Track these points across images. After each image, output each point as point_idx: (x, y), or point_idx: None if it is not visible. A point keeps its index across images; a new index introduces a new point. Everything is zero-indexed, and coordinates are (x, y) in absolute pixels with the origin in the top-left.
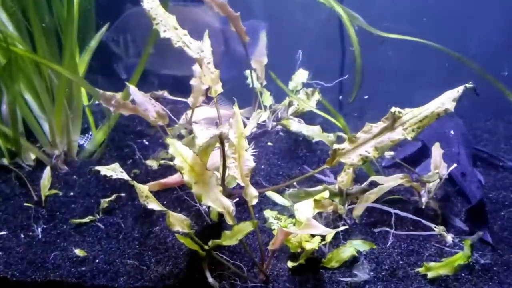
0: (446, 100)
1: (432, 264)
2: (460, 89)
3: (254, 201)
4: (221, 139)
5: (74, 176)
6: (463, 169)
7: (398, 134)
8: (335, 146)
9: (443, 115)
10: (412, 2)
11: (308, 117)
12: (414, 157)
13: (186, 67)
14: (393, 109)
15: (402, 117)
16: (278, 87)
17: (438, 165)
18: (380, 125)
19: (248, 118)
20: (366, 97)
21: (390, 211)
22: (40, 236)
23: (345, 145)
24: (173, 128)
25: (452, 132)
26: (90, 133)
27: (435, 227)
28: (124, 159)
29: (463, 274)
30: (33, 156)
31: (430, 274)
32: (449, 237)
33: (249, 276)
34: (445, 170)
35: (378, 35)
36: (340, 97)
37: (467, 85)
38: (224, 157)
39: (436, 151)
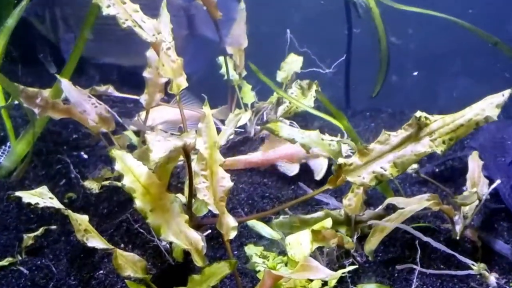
0: (488, 106)
1: None
2: (506, 93)
3: (232, 234)
4: (186, 151)
5: None
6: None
7: (424, 146)
8: (341, 160)
9: (483, 124)
10: None
11: (303, 119)
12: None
13: (138, 55)
14: (418, 113)
15: (430, 124)
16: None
17: (477, 181)
18: (401, 133)
19: (223, 122)
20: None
21: (419, 238)
22: None
23: (354, 159)
24: (121, 136)
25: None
26: (8, 144)
27: (474, 264)
28: (55, 180)
29: None
30: None
31: None
32: (492, 278)
33: None
34: (486, 188)
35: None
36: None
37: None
38: (190, 175)
39: (473, 162)
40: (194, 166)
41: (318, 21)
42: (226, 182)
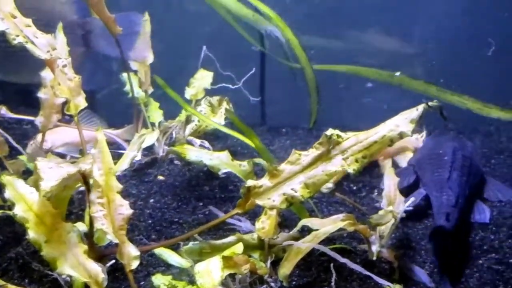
0: (402, 122)
1: None
2: (420, 108)
3: (135, 264)
4: (85, 178)
5: None
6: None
7: (336, 165)
8: (250, 182)
9: (397, 141)
10: None
11: (216, 137)
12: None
13: (32, 72)
14: (329, 131)
15: (343, 142)
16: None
17: (393, 199)
18: (312, 153)
19: (129, 142)
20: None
21: (335, 260)
22: None
23: (264, 181)
24: (15, 161)
25: (448, 153)
26: None
27: (389, 285)
28: None
29: None
30: None
31: None
32: None
33: None
34: (402, 206)
35: None
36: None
37: (430, 103)
38: (89, 204)
39: (389, 180)
40: (90, 194)
41: (233, 37)
42: (125, 209)
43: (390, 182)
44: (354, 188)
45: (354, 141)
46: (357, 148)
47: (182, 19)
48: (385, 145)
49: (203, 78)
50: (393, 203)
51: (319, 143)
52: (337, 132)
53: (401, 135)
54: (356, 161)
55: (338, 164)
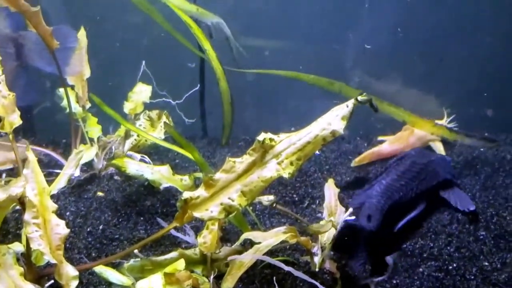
0: (334, 119)
1: None
2: (349, 103)
3: (73, 284)
4: (20, 199)
5: None
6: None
7: (271, 170)
8: (186, 194)
9: (330, 139)
10: None
11: (157, 151)
12: None
13: None
14: (261, 136)
15: (276, 146)
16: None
17: (334, 210)
18: (247, 159)
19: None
20: None
21: (278, 273)
22: None
23: (200, 192)
24: None
25: (399, 163)
26: None
27: None
28: None
29: None
30: None
31: None
32: None
33: None
34: (342, 216)
35: None
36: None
37: (360, 97)
38: (25, 225)
39: (330, 190)
40: (25, 214)
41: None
42: (62, 229)
43: (330, 192)
44: (296, 199)
45: (287, 143)
46: (291, 151)
47: (119, 31)
48: (318, 145)
49: (141, 92)
50: (334, 213)
51: (252, 149)
52: (269, 135)
53: (334, 134)
54: (291, 164)
55: (273, 169)
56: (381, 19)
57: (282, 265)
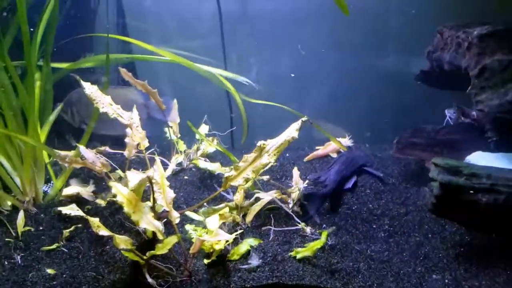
0: (292, 131)
1: (299, 249)
2: (299, 122)
3: (177, 220)
4: (150, 180)
5: (42, 215)
6: (326, 179)
7: (265, 159)
8: (226, 174)
9: (292, 141)
10: None
11: (211, 157)
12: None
13: (121, 129)
14: (259, 142)
15: (266, 147)
16: (189, 139)
17: (297, 181)
18: (253, 155)
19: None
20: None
21: (273, 212)
22: (19, 262)
23: (232, 172)
24: (114, 174)
25: (340, 156)
26: (52, 182)
27: (299, 223)
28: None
29: (318, 253)
30: (9, 203)
31: (299, 256)
32: (308, 230)
33: (177, 274)
34: (302, 185)
35: None
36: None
37: (303, 119)
38: (153, 192)
39: (295, 172)
40: (154, 187)
41: (216, 107)
42: (171, 194)
43: (295, 173)
44: (279, 177)
45: (271, 145)
46: (274, 148)
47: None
48: (286, 144)
49: (204, 128)
50: (297, 183)
51: (255, 150)
52: (263, 142)
53: (293, 138)
54: (274, 155)
55: (266, 159)
56: None
57: (282, 205)
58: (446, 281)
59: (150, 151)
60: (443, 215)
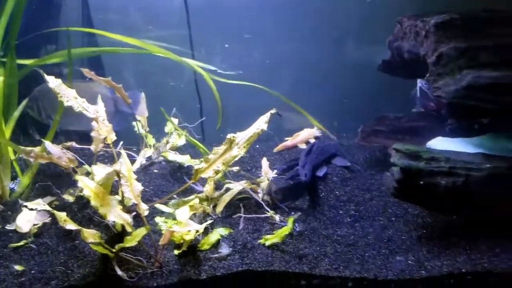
0: (261, 123)
1: (268, 236)
2: (268, 114)
3: (145, 213)
4: (117, 173)
5: (9, 212)
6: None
7: (235, 151)
8: (196, 166)
9: (261, 133)
10: None
11: (181, 150)
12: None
13: (90, 124)
14: (229, 135)
15: (236, 139)
16: (159, 132)
17: (267, 171)
18: (223, 147)
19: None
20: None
21: (243, 201)
22: None
23: (203, 165)
24: (81, 168)
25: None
26: (18, 179)
27: (268, 211)
28: (45, 196)
29: (287, 240)
30: None
31: (267, 243)
32: (277, 217)
33: (148, 265)
34: (271, 175)
35: None
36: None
37: (272, 111)
38: (120, 185)
39: (265, 163)
40: (121, 181)
41: (185, 97)
42: (139, 187)
43: (265, 164)
44: (249, 168)
45: (241, 137)
46: (243, 141)
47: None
48: (255, 136)
49: (173, 121)
50: (267, 174)
51: (225, 143)
52: (232, 134)
53: (262, 130)
54: (244, 147)
55: (236, 151)
56: None
57: (256, 196)
58: (409, 262)
59: (120, 145)
60: (405, 199)
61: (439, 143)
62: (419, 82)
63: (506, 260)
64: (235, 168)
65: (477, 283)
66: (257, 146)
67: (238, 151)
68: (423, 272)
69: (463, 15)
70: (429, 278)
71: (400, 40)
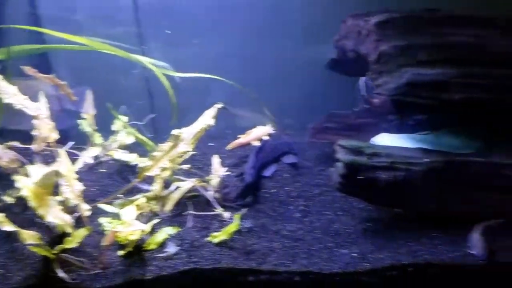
0: (207, 118)
1: (216, 233)
2: (214, 108)
3: (88, 213)
4: (57, 174)
5: None
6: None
7: (182, 148)
8: (141, 164)
9: (208, 129)
10: None
11: (130, 149)
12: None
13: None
14: (174, 131)
15: (182, 135)
16: (107, 130)
17: (217, 169)
18: (169, 144)
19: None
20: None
21: (190, 199)
22: None
23: (149, 162)
24: (23, 169)
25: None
26: None
27: (215, 209)
28: None
29: (235, 236)
30: None
31: (216, 240)
32: (226, 214)
33: (91, 267)
34: (222, 172)
35: None
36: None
37: (218, 106)
38: (61, 186)
39: (215, 160)
40: (61, 180)
41: (135, 95)
42: (79, 186)
43: (215, 161)
44: (201, 166)
45: (188, 133)
46: (189, 137)
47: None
48: (202, 132)
49: (122, 119)
50: (217, 171)
51: (170, 139)
52: (178, 130)
53: (209, 126)
54: (192, 143)
55: (182, 148)
56: None
57: (206, 193)
58: (354, 254)
59: (69, 145)
60: (349, 193)
61: (384, 139)
62: (361, 80)
63: (445, 252)
64: (186, 166)
65: (417, 274)
66: (211, 144)
67: (185, 148)
68: (367, 264)
69: (403, 14)
70: (372, 270)
71: (344, 39)
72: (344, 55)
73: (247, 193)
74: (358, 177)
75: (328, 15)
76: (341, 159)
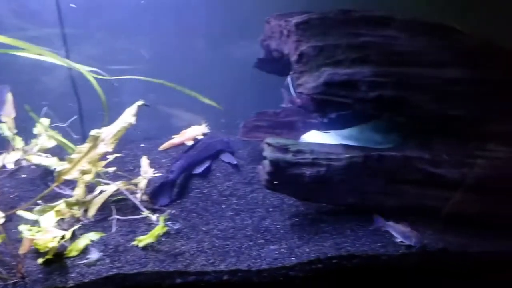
0: (128, 116)
1: (141, 237)
2: (135, 106)
3: (1, 221)
4: None
5: None
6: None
7: (101, 148)
8: (58, 168)
9: (129, 127)
10: None
11: (54, 152)
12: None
13: None
14: (92, 132)
15: (101, 135)
16: (27, 133)
17: (146, 170)
18: (87, 145)
19: None
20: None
21: (114, 204)
22: None
23: (66, 165)
24: None
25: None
26: None
27: (142, 212)
28: None
29: (163, 239)
30: None
31: (141, 244)
32: (154, 217)
33: (8, 276)
34: (150, 174)
35: None
36: None
37: (139, 103)
38: None
39: (144, 161)
40: None
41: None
42: None
43: (144, 162)
44: (131, 168)
45: (107, 133)
46: (109, 137)
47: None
48: (123, 131)
49: (44, 122)
50: (146, 173)
51: (88, 140)
52: (96, 130)
53: (130, 124)
54: (112, 143)
55: (102, 148)
56: None
57: (127, 194)
58: (282, 250)
59: None
60: (276, 190)
61: (313, 136)
62: (288, 79)
63: (368, 243)
64: (111, 169)
65: (342, 266)
66: (142, 145)
67: (105, 148)
68: (293, 258)
69: (321, 15)
70: (298, 264)
71: (269, 39)
72: (270, 54)
73: (163, 192)
74: (285, 174)
75: (261, 13)
76: (267, 157)
